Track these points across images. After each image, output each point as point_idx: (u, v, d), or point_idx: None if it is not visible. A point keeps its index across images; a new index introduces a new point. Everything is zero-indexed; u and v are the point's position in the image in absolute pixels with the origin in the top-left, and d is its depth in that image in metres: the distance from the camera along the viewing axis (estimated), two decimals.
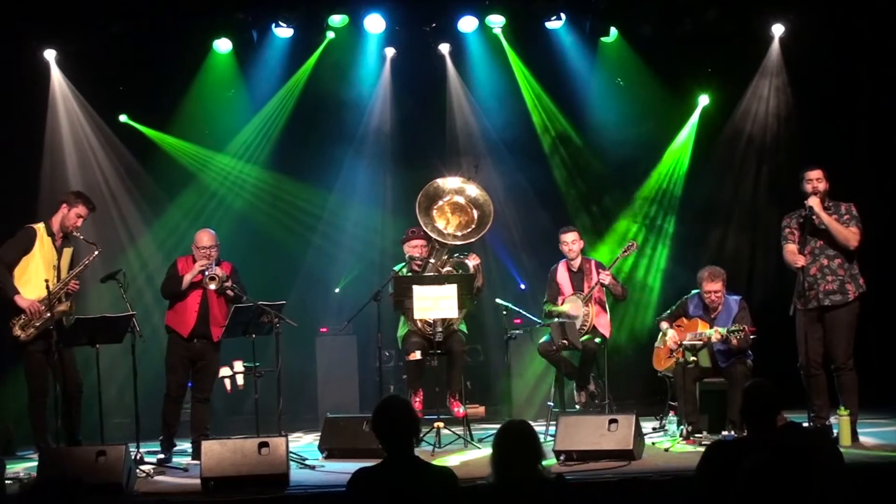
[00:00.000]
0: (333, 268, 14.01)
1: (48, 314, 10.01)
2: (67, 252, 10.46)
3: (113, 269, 10.55)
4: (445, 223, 11.43)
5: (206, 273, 10.47)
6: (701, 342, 10.71)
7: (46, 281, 9.97)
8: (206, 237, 10.67)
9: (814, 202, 10.12)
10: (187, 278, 10.56)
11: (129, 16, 12.62)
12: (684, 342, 10.76)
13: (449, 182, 11.51)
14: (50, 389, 10.24)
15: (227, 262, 10.82)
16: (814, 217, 10.12)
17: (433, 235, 11.24)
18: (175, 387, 10.70)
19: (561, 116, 14.03)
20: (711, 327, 10.78)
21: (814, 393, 10.13)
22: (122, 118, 13.52)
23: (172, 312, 10.72)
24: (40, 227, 10.38)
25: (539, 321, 11.75)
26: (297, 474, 9.28)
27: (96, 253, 10.38)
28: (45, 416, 10.30)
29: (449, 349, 11.16)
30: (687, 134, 13.95)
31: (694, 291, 11.11)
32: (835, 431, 9.97)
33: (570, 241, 11.80)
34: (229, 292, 10.57)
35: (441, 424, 10.56)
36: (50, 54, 12.94)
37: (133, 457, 9.55)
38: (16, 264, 10.27)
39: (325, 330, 13.54)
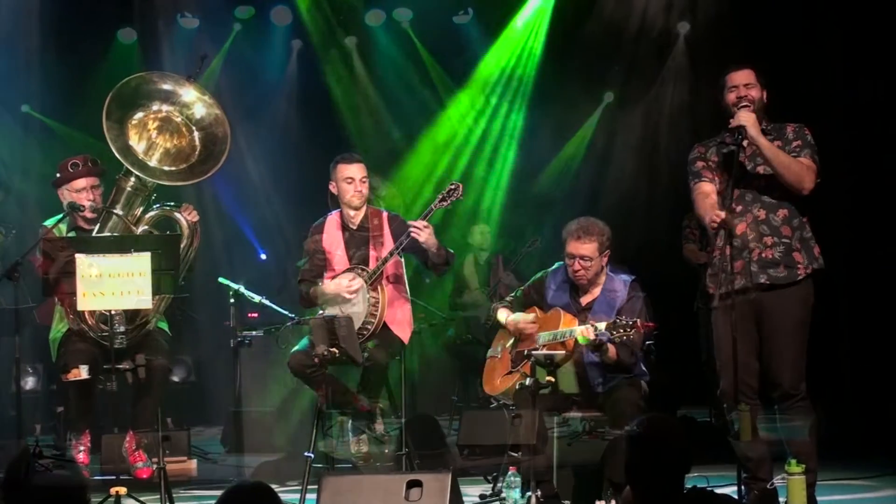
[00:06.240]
0: None
1: None
2: None
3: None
4: (147, 147, 7.79)
5: None
6: (563, 351, 6.80)
7: None
8: None
9: (747, 119, 6.52)
10: None
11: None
12: (535, 351, 6.73)
13: (161, 83, 7.77)
14: None
15: None
16: (744, 145, 6.52)
17: (122, 159, 7.48)
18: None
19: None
20: (582, 323, 6.87)
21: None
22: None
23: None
24: None
25: (293, 316, 8.45)
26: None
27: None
28: None
29: (140, 363, 7.52)
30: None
31: (557, 264, 7.27)
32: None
33: (358, 177, 7.76)
34: None
35: None
36: None
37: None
38: None
39: None
